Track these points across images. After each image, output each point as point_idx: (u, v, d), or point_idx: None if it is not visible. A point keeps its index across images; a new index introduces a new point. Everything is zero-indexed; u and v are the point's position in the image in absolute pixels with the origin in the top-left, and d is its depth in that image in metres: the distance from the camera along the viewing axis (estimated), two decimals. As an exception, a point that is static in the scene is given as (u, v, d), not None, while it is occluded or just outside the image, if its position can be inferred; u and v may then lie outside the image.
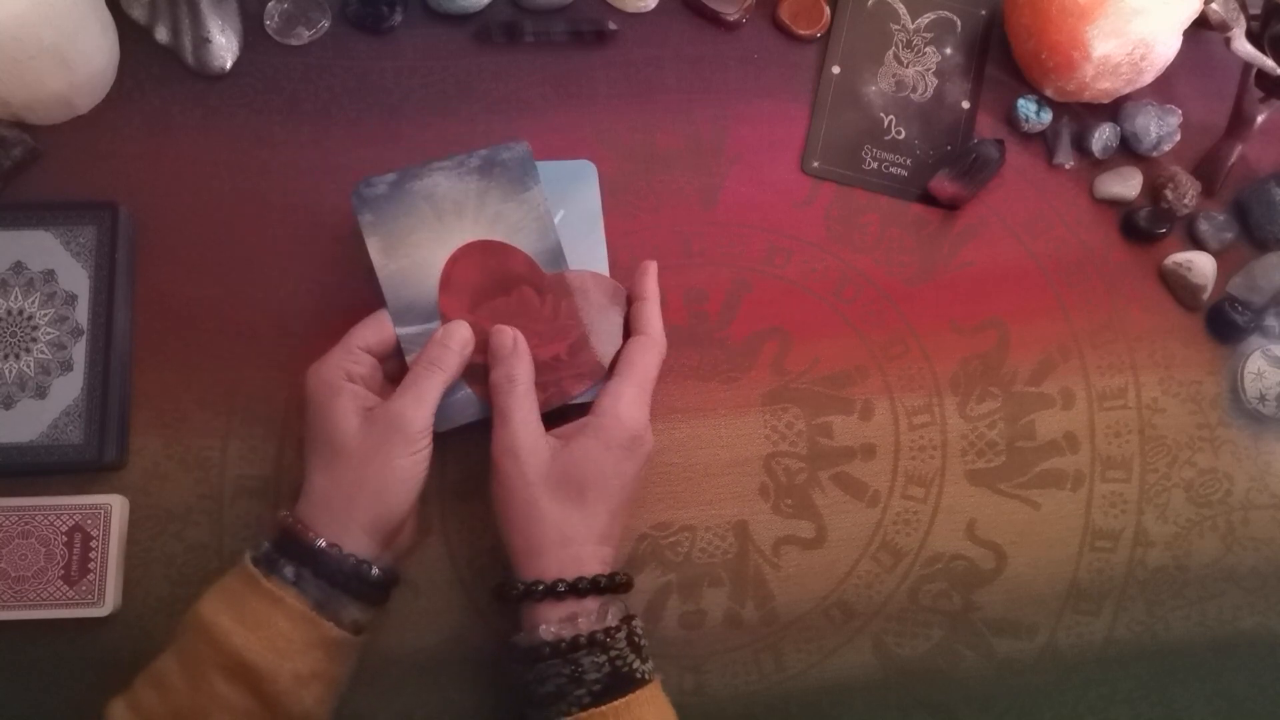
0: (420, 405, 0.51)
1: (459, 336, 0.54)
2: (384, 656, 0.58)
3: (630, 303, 0.58)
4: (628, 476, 0.54)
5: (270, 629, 0.48)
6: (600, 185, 0.61)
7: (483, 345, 0.56)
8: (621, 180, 0.66)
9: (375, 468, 0.50)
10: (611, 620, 0.51)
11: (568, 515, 0.52)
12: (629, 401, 0.54)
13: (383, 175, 0.57)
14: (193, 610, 0.49)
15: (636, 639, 0.51)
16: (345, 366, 0.53)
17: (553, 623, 0.50)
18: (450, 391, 0.54)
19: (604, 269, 0.59)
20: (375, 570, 0.51)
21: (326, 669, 0.50)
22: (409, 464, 0.51)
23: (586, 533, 0.52)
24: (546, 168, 0.58)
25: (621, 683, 0.49)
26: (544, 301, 0.57)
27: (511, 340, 0.55)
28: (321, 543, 0.49)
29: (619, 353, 0.57)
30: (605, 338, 0.57)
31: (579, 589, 0.51)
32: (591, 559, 0.52)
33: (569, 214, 0.60)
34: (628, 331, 0.58)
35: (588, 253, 0.59)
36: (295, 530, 0.50)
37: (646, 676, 0.51)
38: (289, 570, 0.49)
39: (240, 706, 0.47)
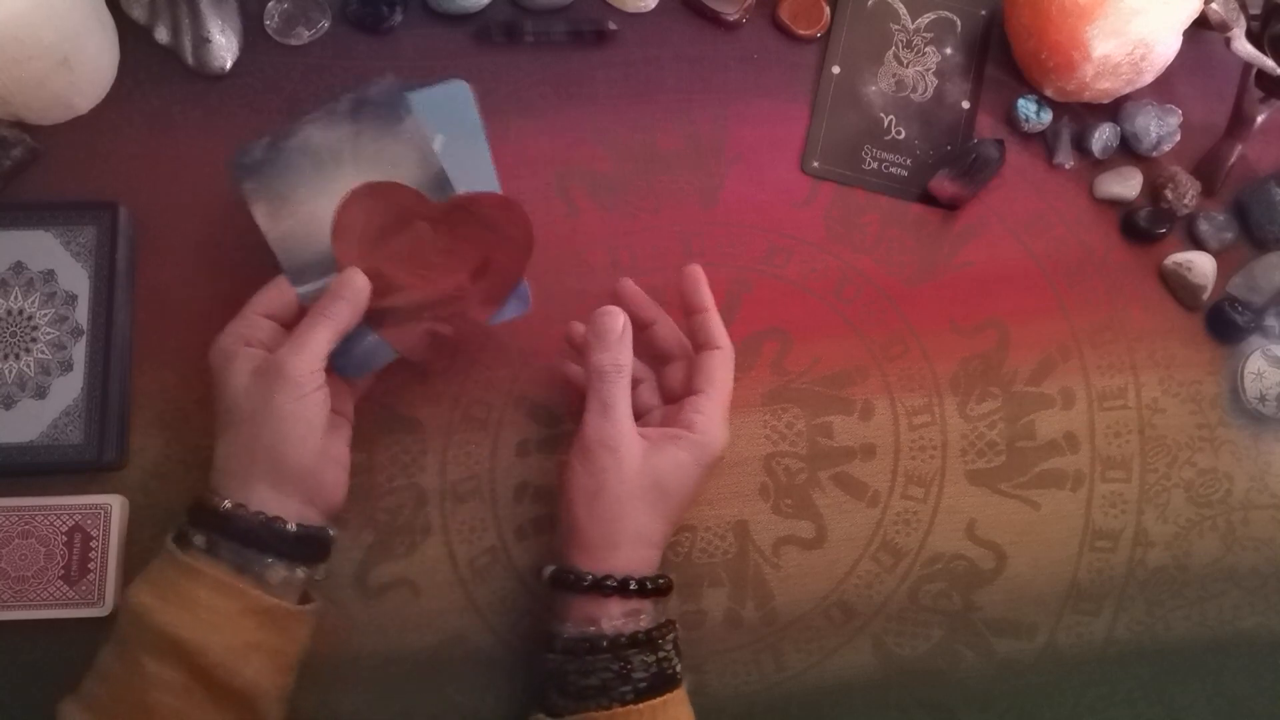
0: (299, 351, 0.50)
1: (349, 284, 0.53)
2: (384, 656, 0.58)
3: (691, 314, 0.57)
4: (703, 490, 0.55)
5: (193, 602, 0.47)
6: (482, 111, 0.58)
7: (383, 288, 0.54)
8: (621, 180, 0.66)
9: (263, 418, 0.50)
10: (663, 619, 0.52)
11: (650, 518, 0.52)
12: (721, 421, 0.54)
13: (257, 140, 0.55)
14: (123, 598, 0.49)
15: (678, 642, 0.52)
16: (242, 333, 0.52)
17: (615, 617, 0.50)
18: (359, 339, 0.53)
19: (494, 186, 0.57)
20: (292, 526, 0.50)
21: (265, 640, 0.49)
22: (295, 408, 0.50)
23: (660, 537, 0.53)
24: (419, 97, 0.56)
25: (663, 682, 0.50)
26: (439, 232, 0.56)
27: (621, 325, 0.53)
28: (225, 504, 0.49)
29: (698, 365, 0.55)
30: (505, 258, 0.55)
31: (646, 588, 0.51)
32: (655, 561, 0.53)
33: (448, 138, 0.57)
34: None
35: (475, 173, 0.57)
36: (202, 498, 0.50)
37: (681, 678, 0.51)
38: (200, 539, 0.49)
39: (175, 683, 0.47)
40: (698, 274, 0.57)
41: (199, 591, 0.48)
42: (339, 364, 0.53)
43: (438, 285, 0.55)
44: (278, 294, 0.54)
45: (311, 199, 0.55)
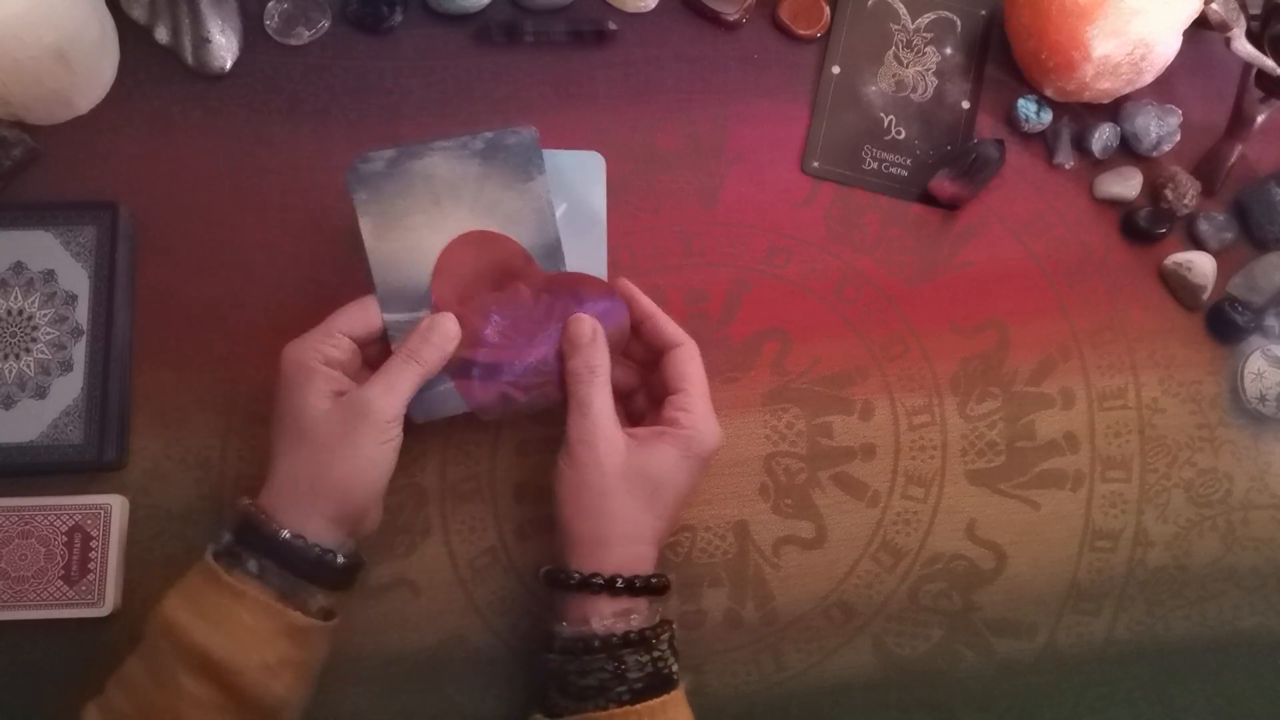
0: (390, 394, 0.51)
1: (442, 331, 0.53)
2: (384, 656, 0.58)
3: (640, 324, 0.57)
4: (696, 486, 0.55)
5: (233, 623, 0.47)
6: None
7: (469, 339, 0.54)
8: (621, 180, 0.65)
9: (340, 454, 0.50)
10: (656, 620, 0.52)
11: (639, 514, 0.52)
12: (705, 415, 0.55)
13: (380, 150, 0.54)
14: (156, 610, 0.48)
15: (674, 642, 0.52)
16: (322, 349, 0.52)
17: (606, 616, 0.51)
18: (433, 384, 0.53)
19: (602, 271, 0.58)
20: (340, 559, 0.50)
21: (295, 656, 0.49)
22: (374, 452, 0.50)
23: (651, 534, 0.53)
24: (552, 156, 0.56)
25: (660, 683, 0.50)
26: (537, 301, 0.56)
27: (590, 330, 0.54)
28: (285, 534, 0.49)
29: (667, 366, 0.55)
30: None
31: (635, 587, 0.51)
32: (649, 559, 0.53)
33: (571, 208, 0.58)
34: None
35: (587, 251, 0.58)
36: (257, 520, 0.49)
37: (678, 679, 0.51)
38: (251, 563, 0.48)
39: (209, 700, 0.47)
40: (628, 288, 0.57)
41: (241, 613, 0.48)
42: (409, 406, 0.52)
43: (523, 352, 0.55)
44: (363, 314, 0.54)
45: (420, 228, 0.55)
